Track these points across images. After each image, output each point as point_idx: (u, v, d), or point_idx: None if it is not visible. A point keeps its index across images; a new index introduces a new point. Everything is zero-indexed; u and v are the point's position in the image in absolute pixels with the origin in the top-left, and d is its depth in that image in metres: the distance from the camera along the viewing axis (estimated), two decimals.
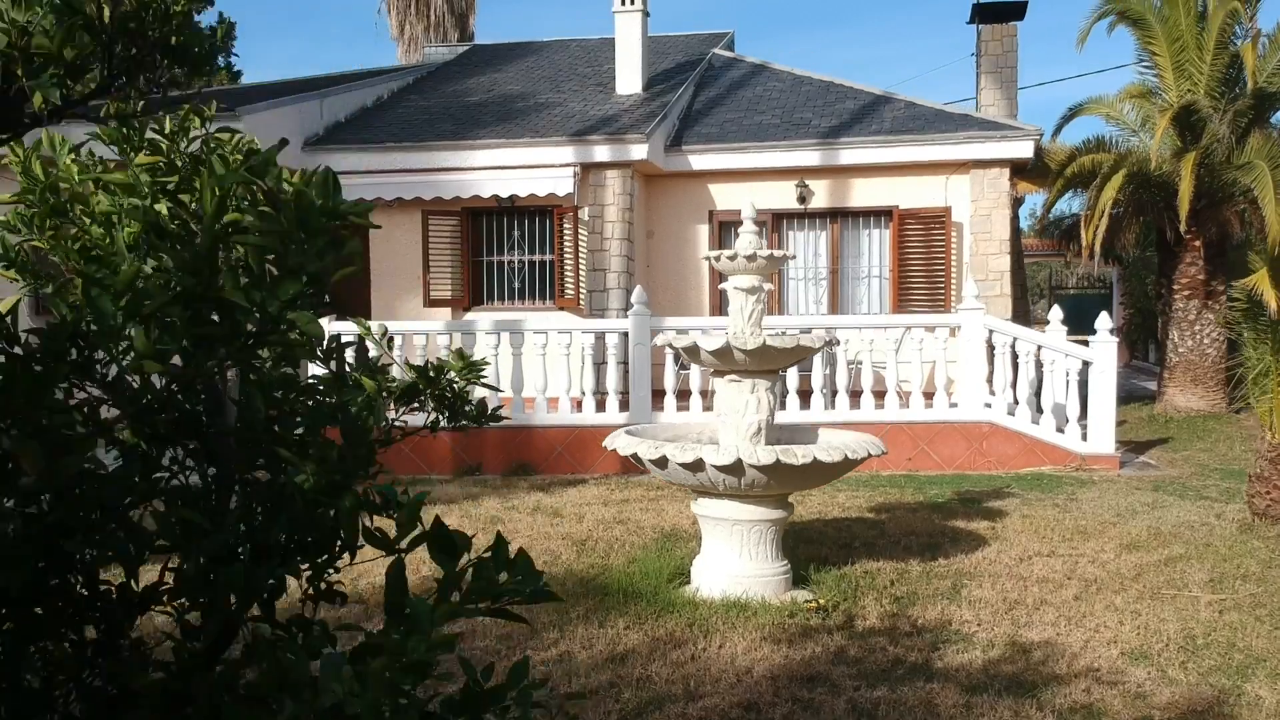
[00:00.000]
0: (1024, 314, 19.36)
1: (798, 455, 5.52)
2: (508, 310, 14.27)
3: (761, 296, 6.13)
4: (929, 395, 12.05)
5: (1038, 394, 11.77)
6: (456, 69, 18.32)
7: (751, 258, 6.01)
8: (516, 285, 14.42)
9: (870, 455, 5.89)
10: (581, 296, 13.65)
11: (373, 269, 14.42)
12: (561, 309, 14.06)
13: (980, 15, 19.06)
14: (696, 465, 5.59)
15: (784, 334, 6.50)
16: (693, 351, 5.99)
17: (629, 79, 15.40)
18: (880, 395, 11.88)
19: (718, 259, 6.15)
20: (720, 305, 14.68)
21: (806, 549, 7.00)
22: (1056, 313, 13.24)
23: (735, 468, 5.54)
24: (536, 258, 14.34)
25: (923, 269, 13.90)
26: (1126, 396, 20.09)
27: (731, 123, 14.73)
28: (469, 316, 14.31)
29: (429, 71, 18.12)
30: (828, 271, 14.51)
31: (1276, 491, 7.70)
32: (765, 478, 5.59)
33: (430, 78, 17.70)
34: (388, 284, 14.38)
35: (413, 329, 11.57)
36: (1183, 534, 7.56)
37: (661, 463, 5.69)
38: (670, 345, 6.11)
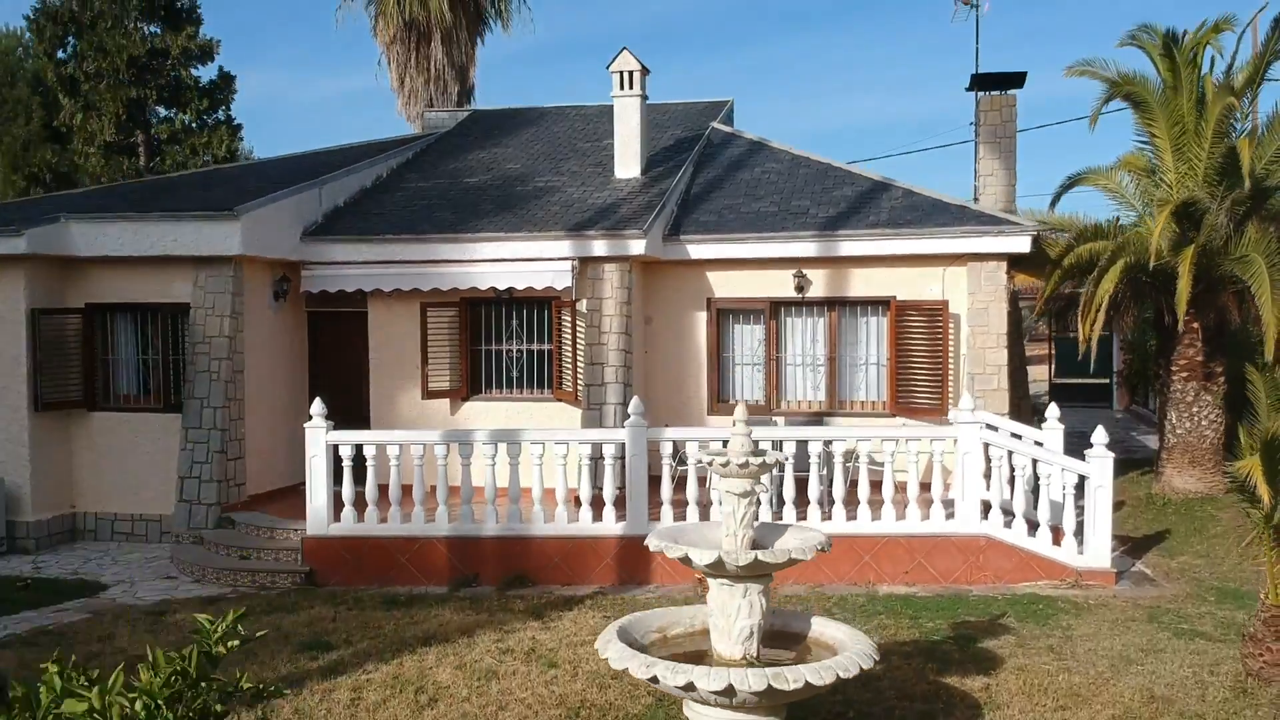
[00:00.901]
0: (1021, 382, 19.36)
1: (789, 680, 5.53)
2: (506, 400, 14.33)
3: (755, 499, 6.15)
4: (925, 485, 12.07)
5: (1034, 490, 11.78)
6: (456, 140, 18.37)
7: (744, 465, 6.03)
8: (515, 375, 14.45)
9: (863, 669, 5.89)
10: (579, 391, 13.67)
11: (370, 359, 14.46)
12: (559, 400, 14.10)
13: (979, 84, 19.12)
14: (689, 686, 5.61)
15: (778, 530, 6.51)
16: (686, 560, 6.01)
17: (628, 163, 15.45)
18: (877, 487, 11.86)
19: (710, 463, 6.16)
20: (719, 391, 14.72)
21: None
22: (1054, 410, 13.28)
23: (727, 691, 5.55)
24: (535, 347, 14.39)
25: (920, 361, 13.91)
26: (1125, 459, 20.03)
27: (730, 209, 14.76)
28: (467, 407, 14.38)
29: (428, 144, 18.16)
30: (825, 359, 14.53)
31: (1270, 654, 7.70)
32: (757, 698, 5.61)
33: (430, 152, 17.75)
34: (385, 373, 14.42)
35: (410, 439, 11.59)
36: (1176, 699, 7.56)
37: (654, 679, 5.70)
38: (663, 552, 6.12)
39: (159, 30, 24.54)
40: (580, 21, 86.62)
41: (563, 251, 13.61)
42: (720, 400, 14.73)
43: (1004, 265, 13.73)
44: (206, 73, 25.13)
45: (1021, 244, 13.53)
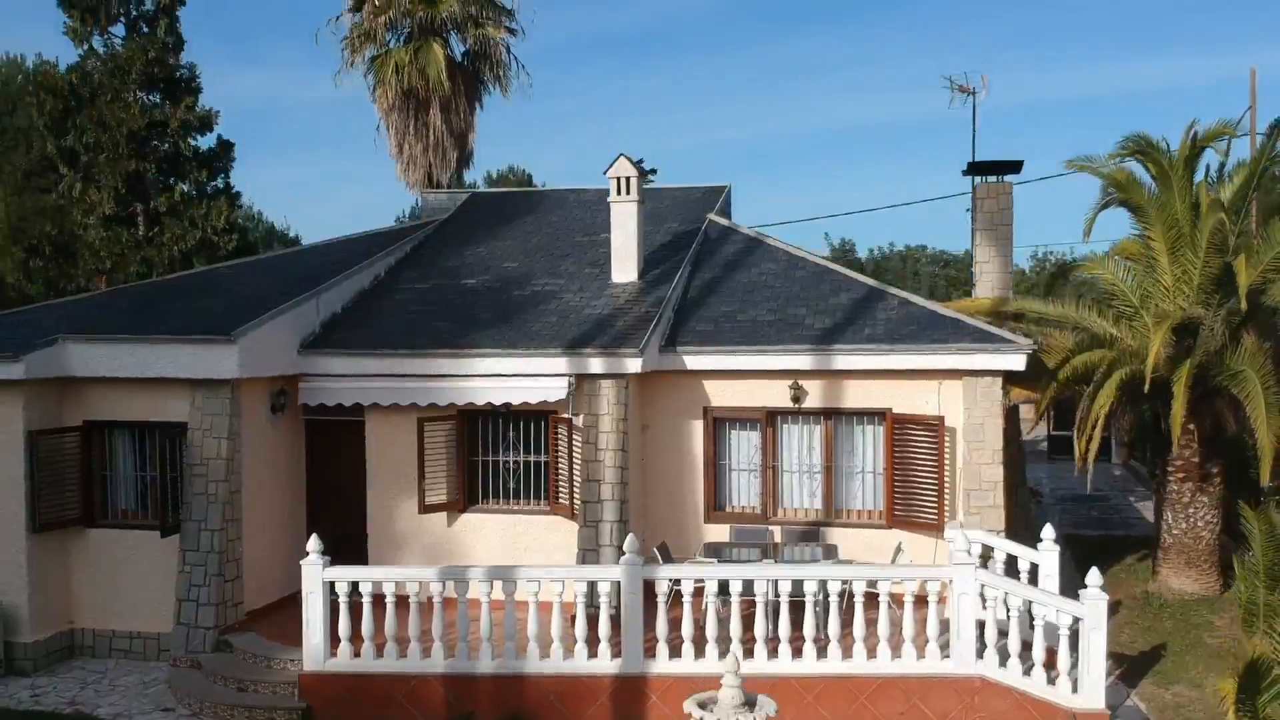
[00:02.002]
0: (1019, 466, 19.34)
1: None
2: (503, 512, 14.39)
3: None
4: (921, 599, 12.01)
5: (1028, 612, 11.79)
6: (454, 230, 18.43)
7: None
8: (512, 485, 14.49)
9: None
10: (575, 506, 13.70)
11: (369, 469, 14.49)
12: (556, 514, 14.14)
13: (976, 169, 19.20)
14: None
15: None
16: None
17: (625, 268, 15.51)
18: (873, 600, 11.86)
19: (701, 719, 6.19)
20: (715, 500, 14.74)
21: None
22: (1049, 531, 13.29)
23: None
24: (532, 458, 14.43)
25: (917, 474, 13.93)
26: (1123, 537, 20.06)
27: (726, 318, 14.80)
28: (464, 519, 14.44)
29: (426, 235, 18.21)
30: (821, 468, 14.56)
31: None
32: None
33: (428, 245, 17.79)
34: (384, 485, 14.45)
35: (407, 576, 11.62)
36: None
37: None
38: None
39: (158, 100, 24.58)
40: (578, 21, 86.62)
41: (559, 368, 13.65)
42: (717, 508, 14.76)
43: (999, 381, 13.75)
44: (205, 140, 25.23)
45: (1017, 362, 13.55)
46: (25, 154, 28.43)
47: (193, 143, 24.71)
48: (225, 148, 25.49)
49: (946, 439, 13.89)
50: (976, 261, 18.82)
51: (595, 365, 13.55)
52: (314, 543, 11.49)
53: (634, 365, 13.45)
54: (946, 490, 13.89)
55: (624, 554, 11.43)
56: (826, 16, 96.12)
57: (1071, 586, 13.12)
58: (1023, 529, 17.15)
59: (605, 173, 15.38)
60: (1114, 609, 14.58)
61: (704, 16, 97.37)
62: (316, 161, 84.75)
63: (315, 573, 11.45)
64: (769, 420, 14.58)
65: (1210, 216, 14.05)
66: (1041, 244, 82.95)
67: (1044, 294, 19.56)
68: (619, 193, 15.40)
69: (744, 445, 14.80)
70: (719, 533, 14.52)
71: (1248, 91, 25.12)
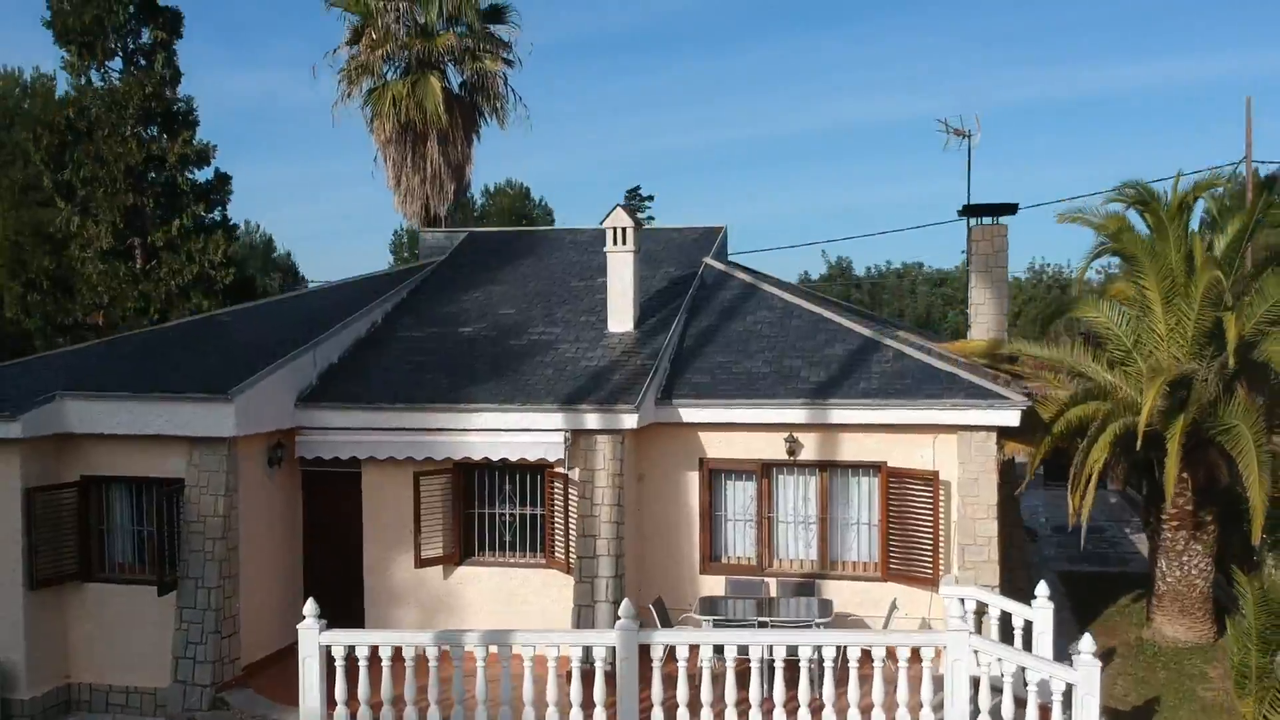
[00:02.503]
0: (1013, 511, 19.36)
1: None
2: (499, 565, 14.44)
3: None
4: (916, 656, 12.04)
5: (1022, 672, 11.85)
6: (451, 274, 18.48)
7: None
8: (508, 538, 14.55)
9: None
10: (571, 561, 13.74)
11: (365, 520, 14.54)
12: (551, 568, 14.19)
13: (971, 211, 19.21)
14: None
15: None
16: None
17: (621, 318, 15.57)
18: (868, 656, 11.90)
19: None
20: (710, 551, 14.79)
21: None
22: (1043, 589, 13.33)
23: None
24: (528, 511, 14.49)
25: (912, 528, 13.98)
26: (1118, 574, 20.13)
27: (722, 369, 14.85)
28: (460, 572, 14.49)
29: (424, 279, 18.26)
30: (816, 519, 14.61)
31: None
32: None
33: (425, 289, 17.84)
34: (380, 537, 14.50)
35: (404, 641, 11.63)
36: None
37: None
38: None
39: (155, 133, 24.63)
40: (576, 21, 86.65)
41: (556, 423, 13.70)
42: (712, 559, 14.80)
43: (994, 436, 13.80)
44: (202, 173, 25.31)
45: (1011, 418, 13.60)
46: (22, 169, 28.37)
47: (190, 176, 24.77)
48: (222, 180, 25.53)
49: (941, 493, 13.94)
50: (972, 303, 18.82)
51: (591, 421, 13.60)
52: (310, 606, 11.50)
53: (630, 421, 13.50)
54: (941, 544, 13.93)
55: (619, 617, 11.46)
56: (827, 18, 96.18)
57: (1067, 632, 13.22)
58: (1019, 567, 17.20)
59: (602, 222, 15.47)
60: (1108, 657, 14.64)
61: (703, 16, 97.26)
62: (315, 162, 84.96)
63: (311, 637, 11.46)
64: (764, 472, 14.63)
65: (1205, 273, 14.09)
66: (1038, 255, 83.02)
67: (1041, 328, 19.66)
68: (615, 242, 15.46)
69: (739, 496, 14.85)
70: (714, 584, 14.56)
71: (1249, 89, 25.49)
